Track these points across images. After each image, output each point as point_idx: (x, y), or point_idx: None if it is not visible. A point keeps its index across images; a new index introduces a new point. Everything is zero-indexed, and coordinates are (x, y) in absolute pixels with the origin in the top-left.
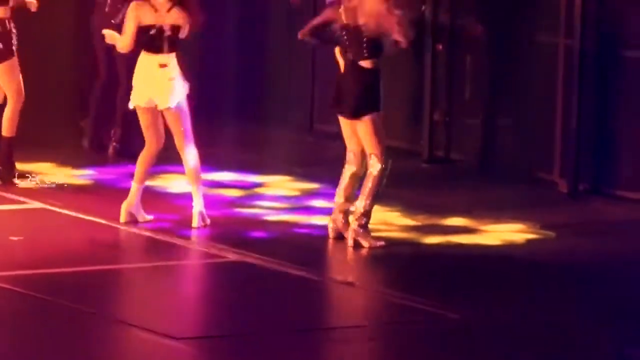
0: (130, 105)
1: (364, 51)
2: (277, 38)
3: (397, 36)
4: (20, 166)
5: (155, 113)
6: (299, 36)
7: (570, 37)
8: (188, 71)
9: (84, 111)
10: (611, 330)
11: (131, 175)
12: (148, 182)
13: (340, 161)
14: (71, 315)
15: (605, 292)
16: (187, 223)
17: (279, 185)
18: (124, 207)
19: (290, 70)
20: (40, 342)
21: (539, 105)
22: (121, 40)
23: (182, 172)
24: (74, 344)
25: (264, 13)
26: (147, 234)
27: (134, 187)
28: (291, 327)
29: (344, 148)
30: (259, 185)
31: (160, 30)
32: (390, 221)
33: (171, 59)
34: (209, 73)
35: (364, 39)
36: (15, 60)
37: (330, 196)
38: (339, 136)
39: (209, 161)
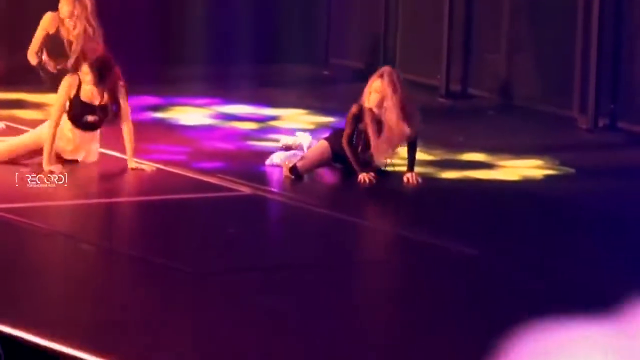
0: None
1: None
2: None
3: None
4: None
5: None
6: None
7: None
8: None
9: None
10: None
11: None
12: (160, 115)
13: (356, 95)
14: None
15: (623, 230)
16: (200, 155)
17: (294, 119)
18: None
19: (306, 3)
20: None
21: (558, 40)
22: None
23: (194, 105)
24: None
25: None
26: (160, 166)
27: None
28: (306, 262)
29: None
30: (274, 118)
31: None
32: (406, 156)
33: None
34: (225, 6)
35: None
36: None
37: None
38: (354, 71)
39: (224, 94)
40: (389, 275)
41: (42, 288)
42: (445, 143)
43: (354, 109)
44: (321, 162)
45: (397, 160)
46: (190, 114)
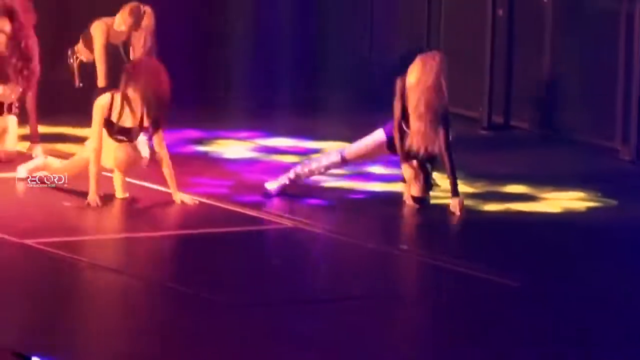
0: None
1: None
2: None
3: None
4: None
5: None
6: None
7: (631, 1)
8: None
9: None
10: None
11: None
12: (203, 148)
13: None
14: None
15: None
16: (242, 189)
17: None
18: None
19: (346, 33)
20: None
21: (600, 71)
22: None
23: (237, 138)
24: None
25: None
26: (202, 199)
27: None
28: (349, 294)
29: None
30: (316, 151)
31: None
32: (449, 188)
33: None
34: (266, 35)
35: None
36: None
37: (388, 163)
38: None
39: (266, 127)
40: (432, 307)
41: (82, 320)
42: (487, 175)
43: (398, 82)
44: (371, 155)
45: (438, 192)
46: (233, 147)
